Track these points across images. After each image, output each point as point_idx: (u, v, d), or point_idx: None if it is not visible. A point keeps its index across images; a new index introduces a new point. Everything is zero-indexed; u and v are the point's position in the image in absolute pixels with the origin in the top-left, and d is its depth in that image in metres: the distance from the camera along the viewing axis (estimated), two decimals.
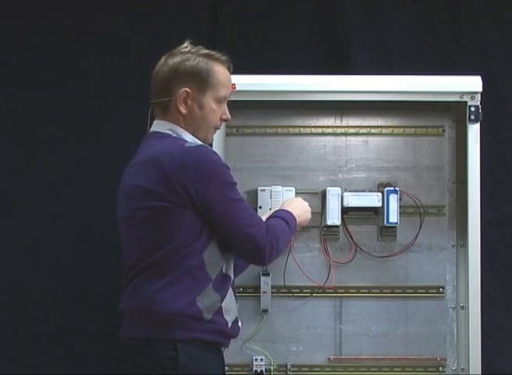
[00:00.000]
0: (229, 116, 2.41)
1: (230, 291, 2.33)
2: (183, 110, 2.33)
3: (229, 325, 2.31)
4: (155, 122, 2.38)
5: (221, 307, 2.28)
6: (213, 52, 2.39)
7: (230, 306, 2.32)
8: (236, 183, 2.30)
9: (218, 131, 2.53)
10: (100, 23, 3.56)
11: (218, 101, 2.36)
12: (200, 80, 2.33)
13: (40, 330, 3.51)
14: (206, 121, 2.35)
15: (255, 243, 2.27)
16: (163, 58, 2.38)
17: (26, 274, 3.51)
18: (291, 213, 2.49)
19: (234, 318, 2.34)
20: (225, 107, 2.39)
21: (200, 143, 2.32)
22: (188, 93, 2.32)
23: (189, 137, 2.33)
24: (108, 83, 3.56)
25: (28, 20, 3.56)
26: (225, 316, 2.29)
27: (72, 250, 3.52)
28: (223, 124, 2.48)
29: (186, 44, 2.39)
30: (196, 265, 2.24)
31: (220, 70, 2.36)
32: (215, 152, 2.30)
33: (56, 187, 3.53)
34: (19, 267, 3.52)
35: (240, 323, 2.40)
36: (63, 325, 3.50)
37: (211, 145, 2.61)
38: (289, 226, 2.42)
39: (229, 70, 2.40)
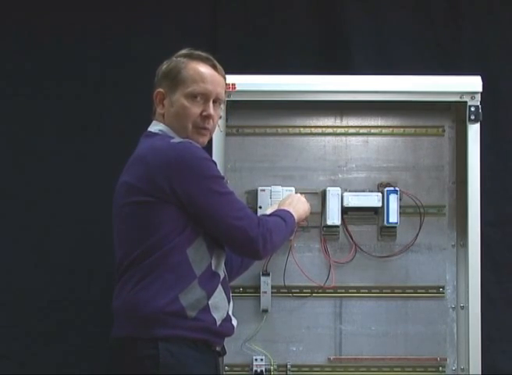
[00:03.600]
0: (210, 112, 2.35)
1: (220, 288, 2.31)
2: (160, 110, 2.38)
3: (218, 323, 2.29)
4: (152, 122, 2.42)
5: (207, 304, 2.27)
6: (195, 52, 2.40)
7: (219, 304, 2.30)
8: (222, 178, 2.32)
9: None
10: (100, 23, 3.56)
11: (191, 97, 2.34)
12: (170, 79, 2.36)
13: (40, 330, 3.51)
14: (179, 118, 2.35)
15: (245, 235, 2.27)
16: None
17: (26, 274, 3.51)
18: (285, 210, 2.50)
19: (225, 316, 2.32)
20: (206, 104, 2.35)
21: (184, 139, 2.31)
22: (161, 93, 2.38)
23: (176, 136, 2.34)
24: (108, 83, 3.56)
25: (28, 20, 3.56)
26: (213, 314, 2.28)
27: (72, 250, 3.52)
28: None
29: (180, 52, 2.42)
30: (179, 261, 2.24)
31: (193, 67, 2.36)
32: (200, 148, 2.30)
33: (56, 186, 3.53)
34: (19, 267, 3.52)
35: (234, 322, 2.38)
36: (63, 325, 3.50)
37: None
38: (284, 221, 2.42)
39: (213, 68, 2.39)
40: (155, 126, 2.39)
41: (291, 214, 2.49)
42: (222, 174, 2.43)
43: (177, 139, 2.31)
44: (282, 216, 2.45)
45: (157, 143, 2.30)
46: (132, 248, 2.26)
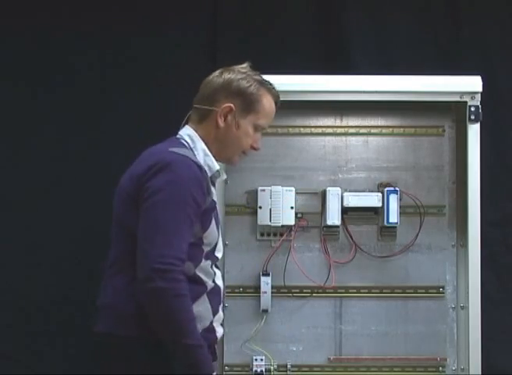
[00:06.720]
0: (260, 147, 2.43)
1: (203, 298, 2.26)
2: (221, 124, 2.35)
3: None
4: (186, 126, 2.40)
5: None
6: (267, 81, 2.42)
7: (202, 313, 2.24)
8: (195, 205, 2.17)
9: None
10: (100, 23, 3.56)
11: (256, 128, 2.39)
12: (247, 102, 2.36)
13: (40, 330, 3.51)
14: (238, 142, 2.37)
15: (145, 264, 2.10)
16: (219, 70, 2.41)
17: (26, 274, 3.51)
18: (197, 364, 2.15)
19: (207, 325, 2.26)
20: (258, 136, 2.41)
21: (186, 154, 2.24)
22: (232, 109, 2.34)
23: (200, 149, 2.31)
24: (108, 83, 3.56)
25: (28, 20, 3.56)
26: None
27: (72, 250, 3.51)
28: None
29: (245, 65, 2.42)
30: None
31: (268, 100, 2.40)
32: (195, 168, 2.21)
33: (56, 186, 3.53)
34: (19, 267, 3.52)
35: (218, 333, 2.32)
36: (63, 325, 3.50)
37: None
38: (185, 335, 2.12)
39: (276, 105, 2.44)
40: (185, 132, 2.37)
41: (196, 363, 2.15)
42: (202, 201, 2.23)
43: (181, 150, 2.25)
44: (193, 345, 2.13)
45: (162, 147, 2.28)
46: (116, 248, 2.28)
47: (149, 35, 3.56)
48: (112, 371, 2.22)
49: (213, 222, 2.29)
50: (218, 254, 2.37)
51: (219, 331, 2.34)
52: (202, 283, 2.27)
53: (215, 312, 2.30)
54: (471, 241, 2.93)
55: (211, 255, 2.32)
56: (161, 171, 2.17)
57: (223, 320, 2.94)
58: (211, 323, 2.29)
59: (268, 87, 2.41)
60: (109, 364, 2.24)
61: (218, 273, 2.37)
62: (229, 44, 3.55)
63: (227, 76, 2.38)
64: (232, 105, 2.34)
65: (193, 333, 2.12)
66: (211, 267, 2.32)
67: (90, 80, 3.57)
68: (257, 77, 2.40)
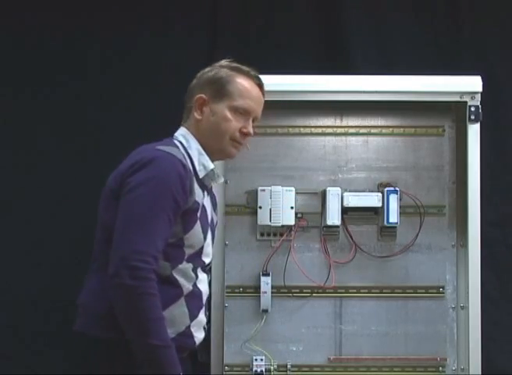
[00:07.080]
0: (250, 131, 2.38)
1: (180, 302, 2.22)
2: (198, 116, 2.35)
3: (171, 336, 2.15)
4: (180, 127, 2.42)
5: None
6: (243, 67, 2.40)
7: (176, 318, 2.21)
8: (174, 203, 2.16)
9: None
10: (100, 22, 3.56)
11: (235, 111, 2.35)
12: (217, 88, 2.35)
13: (40, 330, 3.50)
14: (218, 129, 2.34)
15: (119, 259, 2.08)
16: None
17: (26, 274, 3.51)
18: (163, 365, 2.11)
19: (181, 331, 2.22)
20: (247, 121, 2.37)
21: (172, 151, 2.23)
22: (203, 99, 2.35)
23: (195, 149, 2.32)
24: (107, 82, 3.56)
25: (28, 20, 3.56)
26: (166, 326, 2.13)
27: (72, 250, 3.51)
28: None
29: (223, 61, 2.42)
30: None
31: (242, 82, 2.36)
32: (178, 165, 2.19)
33: (56, 186, 3.53)
34: (19, 267, 3.51)
35: (196, 338, 2.28)
36: (63, 325, 3.49)
37: None
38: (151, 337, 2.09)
39: (259, 87, 2.40)
40: (179, 132, 2.39)
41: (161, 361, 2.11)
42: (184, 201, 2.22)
43: (168, 148, 2.25)
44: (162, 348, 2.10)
45: (150, 145, 2.29)
46: (97, 245, 2.28)
47: (149, 35, 3.56)
48: (86, 371, 2.23)
49: (197, 224, 2.26)
50: (206, 259, 2.33)
51: (198, 336, 2.30)
52: (178, 285, 2.23)
53: (192, 317, 2.26)
54: (471, 241, 2.93)
55: (195, 259, 2.28)
56: (143, 167, 2.17)
57: (223, 322, 2.96)
58: (188, 327, 2.25)
59: (243, 70, 2.39)
60: (85, 364, 2.25)
61: (203, 277, 2.32)
62: (229, 44, 3.54)
63: (200, 72, 2.42)
64: (203, 95, 2.35)
65: (159, 334, 2.09)
66: (194, 271, 2.28)
67: (90, 79, 3.56)
68: (230, 65, 2.39)
